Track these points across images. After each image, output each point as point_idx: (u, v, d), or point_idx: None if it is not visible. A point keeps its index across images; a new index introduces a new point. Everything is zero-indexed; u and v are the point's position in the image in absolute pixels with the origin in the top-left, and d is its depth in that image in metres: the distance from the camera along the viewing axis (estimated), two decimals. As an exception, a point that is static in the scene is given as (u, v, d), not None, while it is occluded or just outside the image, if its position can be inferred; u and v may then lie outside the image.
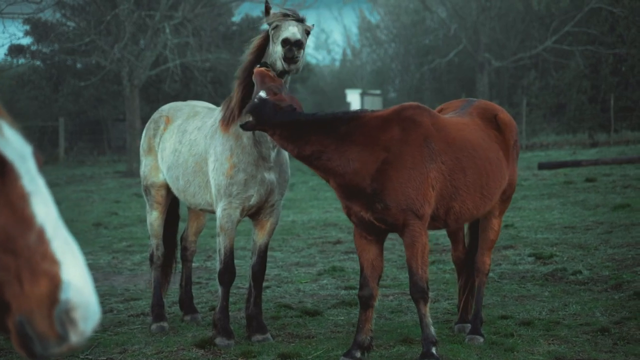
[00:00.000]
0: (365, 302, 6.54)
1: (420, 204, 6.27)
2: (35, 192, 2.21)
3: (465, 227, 7.65)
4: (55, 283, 2.12)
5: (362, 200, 6.29)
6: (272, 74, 6.55)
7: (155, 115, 8.23)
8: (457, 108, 7.29)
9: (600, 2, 38.09)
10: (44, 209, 2.20)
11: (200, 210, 7.77)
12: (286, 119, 6.18)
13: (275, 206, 7.29)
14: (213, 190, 7.21)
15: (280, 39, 6.74)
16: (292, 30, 6.75)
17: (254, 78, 6.61)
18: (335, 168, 6.26)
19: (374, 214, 6.30)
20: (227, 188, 7.06)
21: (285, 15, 6.92)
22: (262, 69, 6.58)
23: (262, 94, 6.31)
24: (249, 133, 6.96)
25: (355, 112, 6.48)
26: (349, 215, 6.54)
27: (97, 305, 2.14)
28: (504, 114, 7.20)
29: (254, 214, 7.30)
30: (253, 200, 7.12)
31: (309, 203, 17.70)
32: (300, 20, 6.93)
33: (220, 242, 7.17)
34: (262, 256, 7.34)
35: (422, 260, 6.35)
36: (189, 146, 7.53)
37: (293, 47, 6.67)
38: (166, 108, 8.27)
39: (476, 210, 6.72)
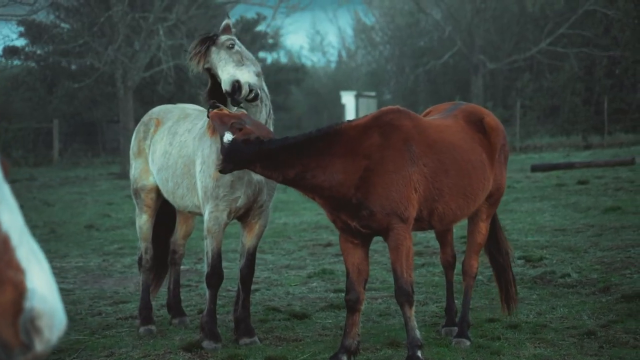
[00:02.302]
0: (352, 306, 6.54)
1: (405, 207, 6.28)
2: (0, 199, 2.20)
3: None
4: (20, 291, 2.11)
5: (348, 210, 6.31)
6: (226, 111, 6.53)
7: (145, 118, 8.23)
8: (444, 111, 7.31)
9: (595, 4, 38.19)
10: (9, 216, 2.19)
11: (189, 212, 7.77)
12: (258, 149, 6.18)
13: (264, 208, 7.28)
14: (200, 192, 7.20)
15: (224, 89, 6.77)
16: (222, 78, 6.78)
17: (211, 121, 6.60)
18: (321, 184, 6.25)
19: (360, 221, 6.32)
20: (213, 190, 7.05)
21: (202, 49, 6.95)
22: (215, 111, 6.54)
23: (228, 135, 6.27)
24: None
25: (330, 126, 6.46)
26: (334, 222, 6.55)
27: (63, 313, 2.13)
28: (491, 118, 7.20)
29: (243, 216, 7.29)
30: (240, 202, 7.11)
31: (301, 205, 17.68)
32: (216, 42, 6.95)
33: (208, 245, 7.16)
34: (250, 259, 7.34)
35: (407, 263, 6.36)
36: (179, 148, 7.53)
37: (233, 95, 6.70)
38: (156, 111, 8.27)
39: (460, 212, 6.74)
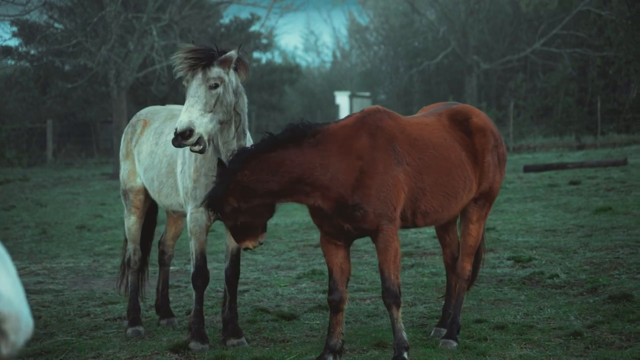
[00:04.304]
0: (336, 306, 6.56)
1: (394, 208, 6.32)
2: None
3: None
4: (-15, 295, 2.11)
5: (343, 213, 6.32)
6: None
7: (133, 119, 8.26)
8: (430, 109, 7.33)
9: (589, 4, 38.23)
10: (-24, 221, 2.19)
11: (174, 212, 7.76)
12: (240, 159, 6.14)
13: None
14: (181, 193, 7.24)
15: (176, 126, 6.49)
16: (181, 117, 6.49)
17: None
18: (327, 184, 6.22)
19: (353, 223, 6.33)
20: (192, 191, 7.09)
21: (191, 64, 6.63)
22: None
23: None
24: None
25: (318, 124, 6.43)
26: (321, 225, 6.55)
27: (29, 317, 2.13)
28: (479, 119, 7.13)
29: None
30: None
31: (293, 206, 17.66)
32: (208, 63, 6.64)
33: (192, 246, 7.21)
34: (235, 260, 7.36)
35: (395, 265, 6.39)
36: (164, 147, 7.56)
37: (179, 137, 6.43)
38: (144, 112, 8.29)
39: (442, 210, 6.74)
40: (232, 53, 6.75)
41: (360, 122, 6.48)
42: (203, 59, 6.64)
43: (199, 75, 6.63)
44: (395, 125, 6.56)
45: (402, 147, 6.47)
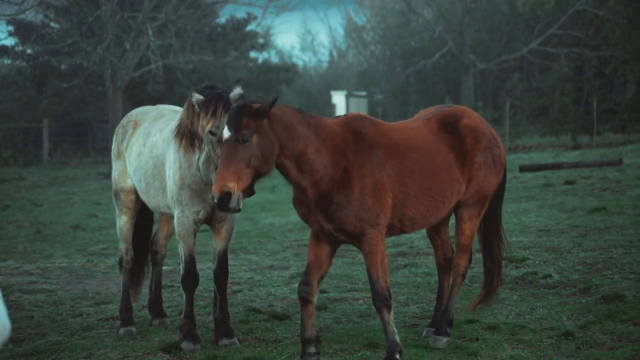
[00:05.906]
0: (305, 297, 6.59)
1: (377, 213, 6.35)
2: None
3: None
4: (-39, 297, 2.10)
5: (326, 210, 6.33)
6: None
7: (124, 120, 8.25)
8: (422, 114, 7.34)
9: (585, 4, 38.26)
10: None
11: (161, 213, 7.76)
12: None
13: (224, 216, 7.26)
14: (168, 195, 7.26)
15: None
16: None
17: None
18: (318, 168, 6.26)
19: (334, 224, 6.34)
20: (178, 196, 7.14)
21: (214, 114, 6.65)
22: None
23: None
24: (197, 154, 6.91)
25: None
26: (306, 221, 6.56)
27: (7, 319, 2.12)
28: (471, 120, 7.10)
29: (210, 220, 7.33)
30: (201, 215, 7.20)
31: (288, 205, 17.63)
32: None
33: (181, 250, 7.25)
34: (222, 262, 7.36)
35: (382, 268, 6.40)
36: (150, 148, 7.58)
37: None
38: (134, 113, 8.29)
39: (430, 214, 6.74)
40: (239, 90, 6.89)
41: (344, 126, 6.54)
42: (220, 99, 6.77)
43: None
44: (376, 132, 6.60)
45: (384, 152, 6.50)
